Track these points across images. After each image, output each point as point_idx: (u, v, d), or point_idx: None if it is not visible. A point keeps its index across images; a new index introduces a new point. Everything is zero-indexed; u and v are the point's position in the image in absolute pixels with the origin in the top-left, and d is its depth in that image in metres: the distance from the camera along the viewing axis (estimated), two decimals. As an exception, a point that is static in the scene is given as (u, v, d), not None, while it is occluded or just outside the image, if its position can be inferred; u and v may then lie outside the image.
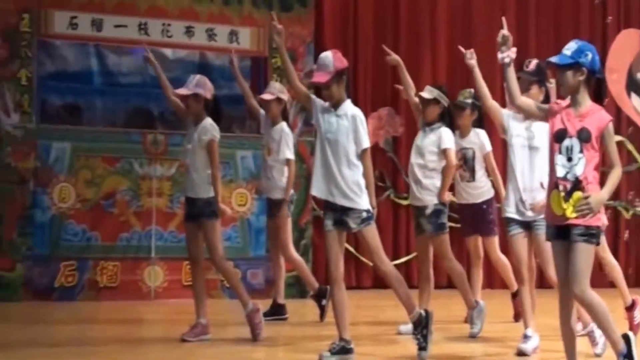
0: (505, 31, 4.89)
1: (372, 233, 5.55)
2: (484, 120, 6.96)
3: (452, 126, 6.75)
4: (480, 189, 7.13)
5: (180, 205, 8.39)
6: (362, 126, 5.52)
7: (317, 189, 5.56)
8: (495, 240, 7.24)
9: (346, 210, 5.48)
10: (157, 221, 8.53)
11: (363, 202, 5.49)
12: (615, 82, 9.78)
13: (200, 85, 6.25)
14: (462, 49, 5.98)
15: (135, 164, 8.49)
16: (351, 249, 9.13)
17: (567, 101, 4.68)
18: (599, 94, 4.70)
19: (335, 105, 5.56)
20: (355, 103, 5.78)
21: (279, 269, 7.47)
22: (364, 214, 5.49)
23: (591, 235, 4.52)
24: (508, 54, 4.84)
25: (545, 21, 10.72)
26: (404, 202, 9.69)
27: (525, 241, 5.81)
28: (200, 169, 6.19)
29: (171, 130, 8.48)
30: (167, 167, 8.58)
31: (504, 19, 5.00)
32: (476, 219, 7.16)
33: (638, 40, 10.62)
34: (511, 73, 4.83)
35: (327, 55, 5.56)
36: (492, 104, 5.87)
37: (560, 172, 4.55)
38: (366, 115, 5.83)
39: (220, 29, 8.75)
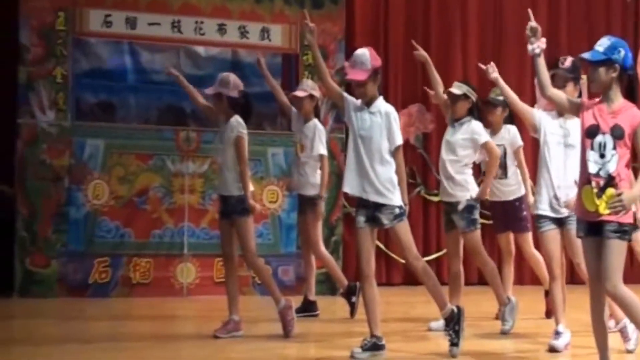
0: (533, 23, 4.86)
1: (404, 229, 5.56)
2: (515, 116, 6.95)
3: (481, 122, 6.76)
4: (512, 186, 7.11)
5: (212, 202, 8.46)
6: (396, 123, 5.55)
7: (350, 186, 5.57)
8: (529, 236, 7.22)
9: (379, 207, 5.50)
10: (190, 218, 8.57)
11: (396, 198, 5.51)
12: (647, 76, 9.68)
13: (223, 84, 6.28)
14: (482, 65, 6.04)
15: (167, 161, 8.55)
16: (381, 245, 9.13)
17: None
18: (631, 90, 4.68)
19: (369, 102, 5.59)
20: (386, 100, 5.79)
21: (310, 266, 7.49)
22: (397, 210, 5.51)
23: (624, 232, 4.53)
24: (538, 45, 4.81)
25: (576, 18, 10.65)
26: (435, 199, 9.68)
27: (558, 238, 5.79)
28: (231, 166, 6.22)
29: (203, 127, 8.51)
30: (199, 164, 8.63)
31: (530, 11, 4.97)
32: (508, 216, 7.15)
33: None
34: (542, 64, 4.80)
35: (364, 53, 5.57)
36: (521, 106, 5.91)
37: (592, 168, 4.54)
38: (397, 112, 5.84)
39: (252, 26, 8.78)
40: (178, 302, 8.24)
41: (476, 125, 6.59)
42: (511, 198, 7.15)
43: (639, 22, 10.79)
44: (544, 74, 4.82)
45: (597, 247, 4.58)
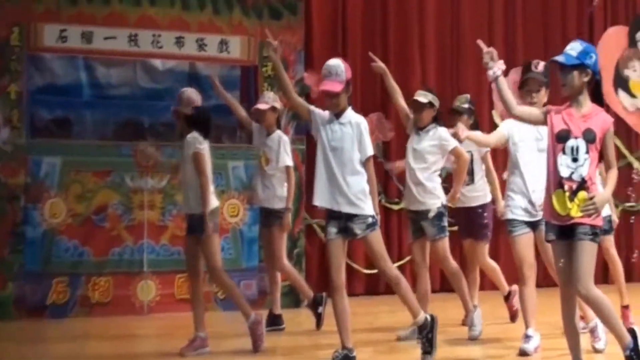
0: (487, 49, 4.82)
1: (377, 238, 5.55)
2: (479, 124, 7.00)
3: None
4: (478, 192, 7.15)
5: (171, 218, 8.34)
6: (366, 133, 5.54)
7: (321, 199, 5.53)
8: (486, 246, 7.29)
9: (351, 217, 5.46)
10: (149, 235, 8.40)
11: (368, 208, 5.48)
12: (603, 79, 9.85)
13: (178, 101, 6.28)
14: (450, 130, 6.16)
15: (126, 177, 8.39)
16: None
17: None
18: (598, 95, 4.73)
19: (339, 113, 5.57)
20: (345, 109, 5.76)
21: (274, 279, 7.41)
22: (370, 220, 5.49)
23: (595, 234, 4.59)
24: (497, 67, 4.76)
25: (532, 25, 10.68)
26: (395, 207, 9.69)
27: (531, 241, 5.85)
28: (193, 184, 6.16)
29: (162, 142, 8.39)
30: (158, 180, 8.46)
31: (479, 41, 4.92)
32: (472, 222, 7.18)
33: (625, 37, 10.77)
34: (504, 84, 4.78)
35: (339, 64, 5.55)
36: (494, 140, 6.11)
37: (564, 172, 4.58)
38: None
39: (210, 38, 8.63)
40: (139, 320, 8.09)
41: (443, 132, 6.59)
42: (474, 204, 7.18)
43: (594, 29, 10.92)
44: (508, 93, 4.79)
45: (568, 250, 4.62)
